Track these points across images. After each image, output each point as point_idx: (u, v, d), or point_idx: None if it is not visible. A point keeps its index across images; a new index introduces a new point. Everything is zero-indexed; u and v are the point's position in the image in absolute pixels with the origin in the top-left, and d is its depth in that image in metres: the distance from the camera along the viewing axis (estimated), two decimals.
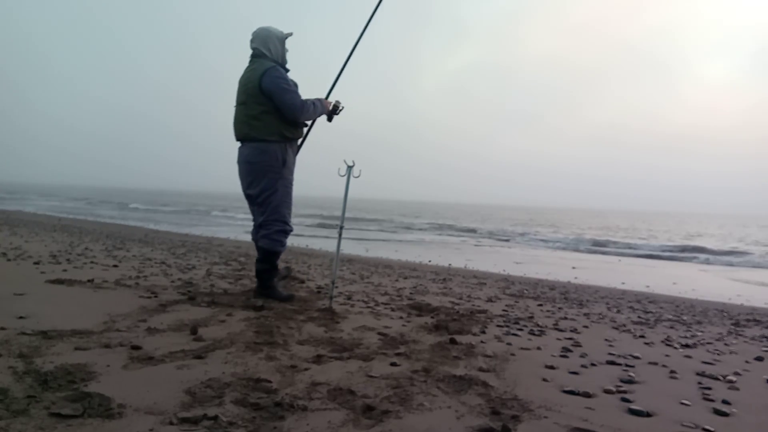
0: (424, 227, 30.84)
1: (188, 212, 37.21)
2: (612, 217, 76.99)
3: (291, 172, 3.97)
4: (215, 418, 1.66)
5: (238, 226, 23.03)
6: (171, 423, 1.63)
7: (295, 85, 3.87)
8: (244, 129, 3.82)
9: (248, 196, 3.99)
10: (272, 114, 3.76)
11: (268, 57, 3.85)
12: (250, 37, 3.99)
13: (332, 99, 4.13)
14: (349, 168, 4.09)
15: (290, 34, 3.98)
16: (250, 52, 3.98)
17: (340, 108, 4.15)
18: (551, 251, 18.84)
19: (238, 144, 3.96)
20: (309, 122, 4.09)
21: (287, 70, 3.94)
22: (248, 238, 16.60)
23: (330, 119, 4.15)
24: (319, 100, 3.99)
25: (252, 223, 4.15)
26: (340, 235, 4.13)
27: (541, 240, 24.08)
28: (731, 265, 16.21)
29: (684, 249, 20.23)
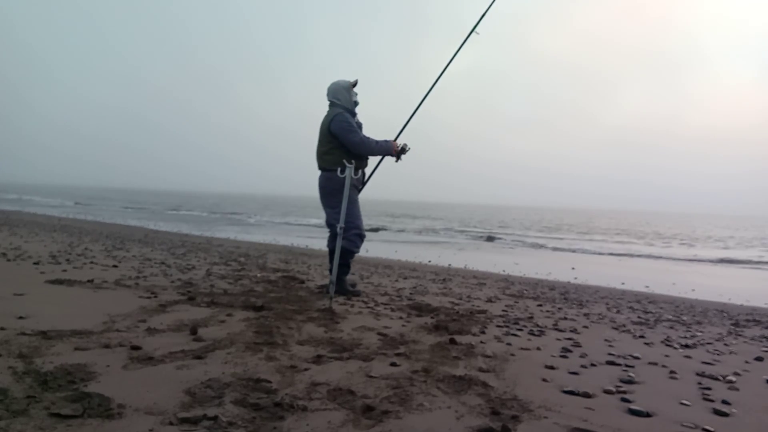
0: (424, 228, 30.82)
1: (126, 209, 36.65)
2: (624, 217, 76.95)
3: (356, 192, 4.74)
4: (215, 418, 1.66)
5: (181, 221, 22.98)
6: (171, 423, 1.63)
7: (359, 125, 4.69)
8: (319, 161, 4.72)
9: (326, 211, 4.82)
10: (339, 149, 4.58)
11: (338, 104, 4.67)
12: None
13: (400, 141, 4.72)
14: (349, 168, 4.18)
15: (356, 82, 4.74)
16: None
17: (407, 149, 4.68)
18: (551, 251, 18.85)
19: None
20: (372, 156, 4.74)
21: (355, 114, 4.73)
22: (246, 238, 16.44)
23: (398, 159, 4.71)
24: (385, 141, 4.67)
25: (328, 233, 4.85)
26: (340, 235, 4.15)
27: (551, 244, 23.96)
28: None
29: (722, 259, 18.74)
